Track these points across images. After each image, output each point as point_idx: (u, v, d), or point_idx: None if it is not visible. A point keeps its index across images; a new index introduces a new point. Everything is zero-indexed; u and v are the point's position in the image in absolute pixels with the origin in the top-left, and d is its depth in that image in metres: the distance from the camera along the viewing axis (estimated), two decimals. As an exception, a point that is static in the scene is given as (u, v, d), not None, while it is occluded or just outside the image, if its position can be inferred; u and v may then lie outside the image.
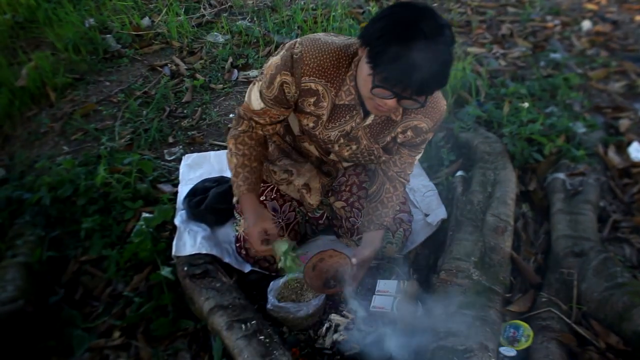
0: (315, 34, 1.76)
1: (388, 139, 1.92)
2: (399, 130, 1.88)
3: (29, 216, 2.40)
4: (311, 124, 1.88)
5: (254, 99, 1.85)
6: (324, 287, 1.99)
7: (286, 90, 1.76)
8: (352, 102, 1.77)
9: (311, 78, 1.72)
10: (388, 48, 1.43)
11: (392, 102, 1.55)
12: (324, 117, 1.83)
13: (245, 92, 3.12)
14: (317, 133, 1.90)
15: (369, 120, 1.83)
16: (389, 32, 1.44)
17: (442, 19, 1.46)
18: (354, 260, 1.94)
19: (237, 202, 1.99)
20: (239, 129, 1.93)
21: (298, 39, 1.72)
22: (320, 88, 1.74)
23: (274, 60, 1.75)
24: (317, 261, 1.97)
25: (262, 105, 1.83)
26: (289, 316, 1.92)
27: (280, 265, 1.88)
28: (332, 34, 1.79)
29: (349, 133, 1.88)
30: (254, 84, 1.86)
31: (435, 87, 1.52)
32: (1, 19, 4.10)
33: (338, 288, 1.96)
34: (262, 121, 1.89)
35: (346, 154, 1.98)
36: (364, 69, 1.55)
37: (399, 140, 1.93)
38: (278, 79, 1.73)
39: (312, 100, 1.78)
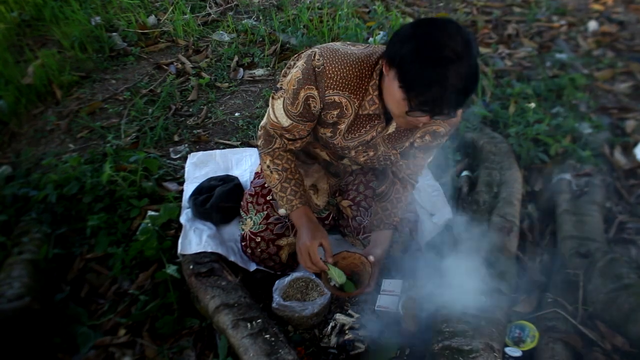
0: (332, 43, 1.75)
1: (406, 144, 1.92)
2: (418, 135, 1.88)
3: (35, 213, 2.41)
4: (329, 134, 1.87)
5: (279, 115, 1.83)
6: (341, 288, 1.98)
7: (312, 105, 1.74)
8: (375, 112, 1.75)
9: (335, 91, 1.70)
10: (422, 72, 1.42)
11: (425, 119, 1.56)
12: (343, 128, 1.82)
13: (251, 91, 3.11)
14: (335, 142, 1.90)
15: (391, 129, 1.82)
16: (420, 55, 1.42)
17: (466, 31, 1.45)
18: (371, 258, 1.94)
19: (287, 216, 2.02)
20: (273, 147, 1.93)
21: (316, 50, 1.69)
22: (343, 100, 1.72)
23: (294, 74, 1.72)
24: (333, 263, 1.97)
25: (290, 121, 1.81)
26: (294, 315, 1.93)
27: (333, 283, 1.93)
28: (348, 43, 1.78)
29: (369, 142, 1.88)
30: (275, 99, 1.84)
31: (468, 99, 1.52)
32: (8, 17, 4.11)
33: (361, 290, 1.95)
34: (291, 137, 1.89)
35: (362, 159, 1.98)
36: (395, 92, 1.53)
37: (416, 144, 1.92)
38: (302, 93, 1.71)
39: (335, 112, 1.77)
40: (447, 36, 1.41)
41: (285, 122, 1.83)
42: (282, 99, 1.80)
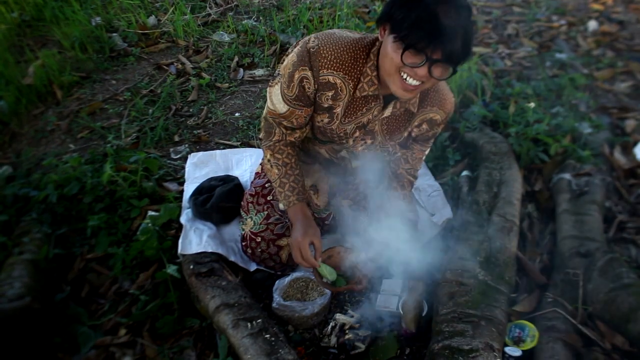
0: (329, 29, 1.78)
1: (404, 134, 1.92)
2: (415, 124, 1.90)
3: (36, 213, 2.41)
4: (326, 120, 1.88)
5: (276, 101, 1.85)
6: (333, 285, 1.99)
7: (306, 87, 1.76)
8: (374, 93, 1.77)
9: (329, 71, 1.72)
10: (412, 11, 1.46)
11: (422, 71, 1.54)
12: (340, 111, 1.83)
13: (251, 91, 3.11)
14: (333, 127, 1.90)
15: (387, 112, 1.84)
16: (410, 1, 1.48)
17: None
18: (362, 255, 1.95)
19: (285, 211, 2.04)
20: (273, 139, 1.95)
21: (312, 35, 1.73)
22: (338, 81, 1.74)
23: (290, 58, 1.76)
24: (326, 258, 1.98)
25: (287, 106, 1.83)
26: (294, 315, 1.93)
27: (325, 280, 1.94)
28: (345, 29, 1.80)
29: (366, 125, 1.89)
30: (272, 86, 1.86)
31: (463, 52, 1.51)
32: (9, 17, 4.11)
33: (349, 285, 1.96)
34: (290, 125, 1.89)
35: (360, 148, 1.98)
36: (388, 44, 1.56)
37: (413, 134, 1.94)
38: (297, 75, 1.74)
39: (329, 94, 1.78)
40: None
41: (283, 107, 1.84)
42: (279, 84, 1.82)
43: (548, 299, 1.98)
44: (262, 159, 2.05)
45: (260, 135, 2.01)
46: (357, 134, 1.92)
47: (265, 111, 1.95)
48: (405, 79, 1.59)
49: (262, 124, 1.99)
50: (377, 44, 1.68)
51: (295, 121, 1.88)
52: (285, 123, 1.89)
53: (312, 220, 1.98)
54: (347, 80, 1.74)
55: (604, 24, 4.02)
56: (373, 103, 1.81)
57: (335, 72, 1.72)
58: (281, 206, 2.05)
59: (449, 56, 1.50)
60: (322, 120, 1.89)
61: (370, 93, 1.77)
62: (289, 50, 1.82)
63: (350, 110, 1.84)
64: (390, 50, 1.56)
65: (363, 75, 1.73)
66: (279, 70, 1.83)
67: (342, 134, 1.93)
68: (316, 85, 1.76)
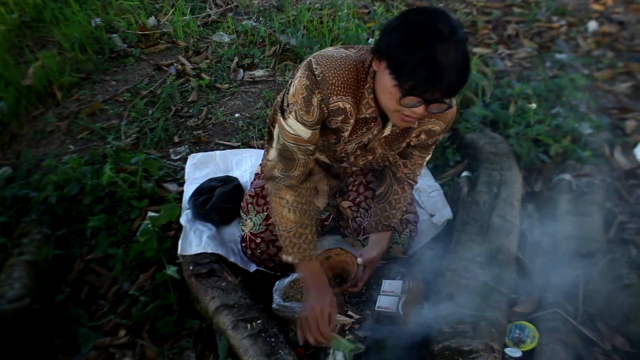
0: (324, 50, 1.73)
1: (403, 144, 1.92)
2: (414, 135, 1.88)
3: (36, 214, 2.41)
4: (332, 140, 1.86)
5: (298, 130, 1.73)
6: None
7: (324, 109, 1.70)
8: (372, 115, 1.74)
9: (339, 97, 1.68)
10: (411, 55, 1.42)
11: (420, 110, 1.54)
12: (346, 134, 1.81)
13: (251, 92, 3.08)
14: (337, 149, 1.89)
15: (387, 131, 1.82)
16: (408, 39, 1.43)
17: (453, 18, 1.47)
18: (359, 260, 1.94)
19: (293, 264, 1.86)
20: (294, 174, 1.80)
21: (311, 59, 1.66)
22: (347, 106, 1.71)
23: (298, 83, 1.67)
24: (324, 259, 1.98)
25: (310, 131, 1.73)
26: (294, 316, 1.92)
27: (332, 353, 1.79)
28: (339, 46, 1.76)
29: (366, 145, 1.88)
30: (286, 118, 1.73)
31: (462, 85, 1.50)
32: (8, 18, 4.11)
33: (343, 287, 1.96)
34: (313, 148, 1.80)
35: (361, 163, 1.98)
36: (386, 82, 1.53)
37: (412, 143, 1.93)
38: (315, 98, 1.66)
39: (339, 118, 1.75)
40: (433, 20, 1.43)
41: (306, 134, 1.74)
42: (293, 112, 1.71)
43: (548, 299, 1.98)
44: (275, 197, 1.84)
45: (276, 173, 1.81)
46: (358, 152, 1.92)
47: (278, 143, 1.80)
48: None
49: (275, 155, 1.82)
50: (374, 66, 1.61)
51: (316, 140, 1.81)
52: (311, 147, 1.80)
53: (328, 284, 1.86)
54: (354, 103, 1.71)
55: (604, 25, 4.01)
56: (372, 123, 1.80)
57: (344, 97, 1.69)
58: (289, 259, 1.86)
59: (447, 95, 1.50)
60: (327, 141, 1.88)
61: (367, 115, 1.74)
62: (290, 82, 1.76)
63: (352, 131, 1.82)
64: (388, 90, 1.54)
65: (362, 97, 1.71)
66: (288, 101, 1.72)
67: (343, 154, 1.93)
68: (327, 111, 1.72)
